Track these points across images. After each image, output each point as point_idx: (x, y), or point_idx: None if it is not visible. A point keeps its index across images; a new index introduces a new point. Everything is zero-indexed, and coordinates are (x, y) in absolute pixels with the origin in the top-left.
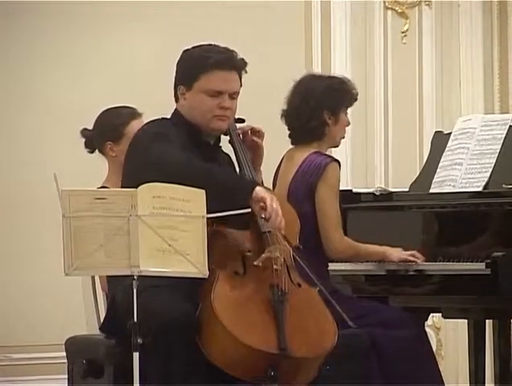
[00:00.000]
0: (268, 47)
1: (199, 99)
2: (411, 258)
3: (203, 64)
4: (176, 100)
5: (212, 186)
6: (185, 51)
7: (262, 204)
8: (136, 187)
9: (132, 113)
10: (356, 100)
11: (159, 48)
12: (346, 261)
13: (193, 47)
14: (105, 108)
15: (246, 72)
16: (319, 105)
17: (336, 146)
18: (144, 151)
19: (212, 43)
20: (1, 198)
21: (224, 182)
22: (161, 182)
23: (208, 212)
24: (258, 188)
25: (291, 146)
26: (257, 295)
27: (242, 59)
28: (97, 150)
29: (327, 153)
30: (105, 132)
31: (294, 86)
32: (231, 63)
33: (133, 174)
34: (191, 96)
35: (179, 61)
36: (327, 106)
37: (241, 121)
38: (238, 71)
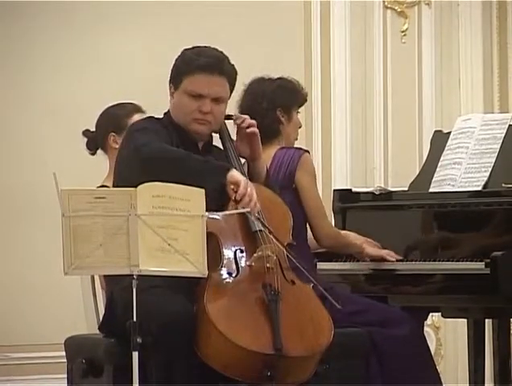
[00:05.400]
0: (267, 47)
1: (182, 100)
2: (388, 257)
3: (189, 66)
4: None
5: (187, 170)
6: (182, 51)
7: (234, 187)
8: (126, 185)
9: (135, 108)
10: (306, 100)
11: (159, 49)
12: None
13: (188, 49)
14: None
15: (235, 80)
16: (271, 104)
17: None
18: (128, 145)
19: (211, 46)
20: (1, 198)
21: (199, 165)
22: (141, 171)
23: None
24: (233, 171)
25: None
26: (250, 295)
27: (232, 65)
28: (97, 151)
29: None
30: (108, 123)
31: (244, 90)
32: (217, 67)
33: (120, 169)
34: (177, 97)
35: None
36: (279, 104)
37: (229, 117)
38: (226, 77)
